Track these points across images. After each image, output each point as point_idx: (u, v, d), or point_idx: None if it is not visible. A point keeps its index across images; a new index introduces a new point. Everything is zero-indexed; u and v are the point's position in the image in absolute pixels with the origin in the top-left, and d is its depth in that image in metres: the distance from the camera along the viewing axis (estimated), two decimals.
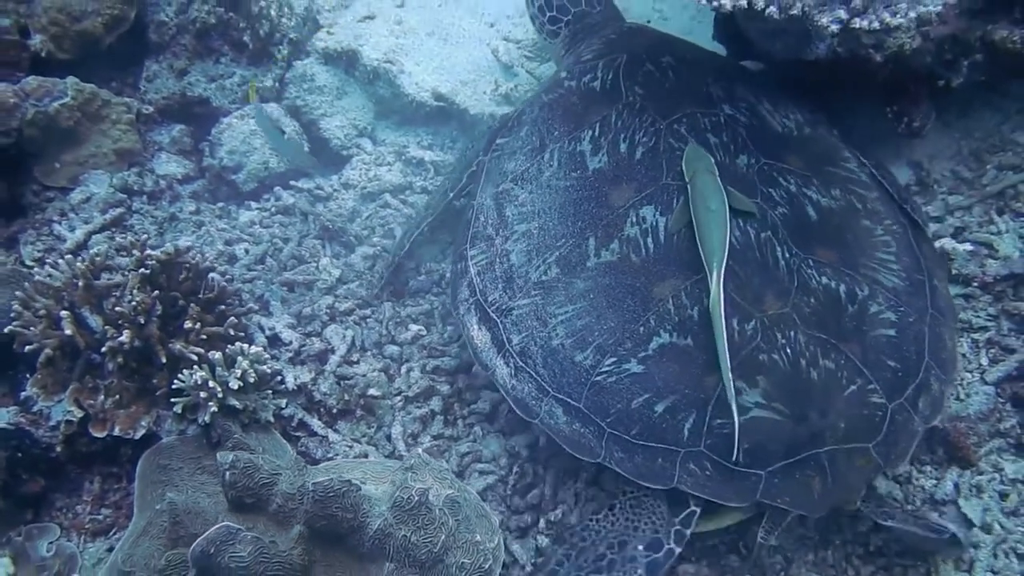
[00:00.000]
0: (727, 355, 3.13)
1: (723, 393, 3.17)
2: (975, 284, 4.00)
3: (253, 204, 4.82)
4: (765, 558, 3.49)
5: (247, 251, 4.50)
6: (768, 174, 3.69)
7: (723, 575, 3.47)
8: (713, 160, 3.58)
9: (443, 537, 3.04)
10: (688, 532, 3.29)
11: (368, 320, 4.26)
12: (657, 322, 3.37)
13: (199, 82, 5.08)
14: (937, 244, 4.06)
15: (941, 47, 3.88)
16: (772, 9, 3.03)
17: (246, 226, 4.67)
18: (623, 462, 3.30)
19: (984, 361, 3.84)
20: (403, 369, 4.09)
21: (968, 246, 4.05)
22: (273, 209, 4.76)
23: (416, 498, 3.03)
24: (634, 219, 3.57)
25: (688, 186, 3.51)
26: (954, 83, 4.01)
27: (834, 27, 2.99)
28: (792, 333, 3.31)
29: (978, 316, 3.96)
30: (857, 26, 2.99)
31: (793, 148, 3.85)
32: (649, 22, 5.29)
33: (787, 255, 3.47)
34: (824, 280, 3.45)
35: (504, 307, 3.65)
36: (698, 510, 3.29)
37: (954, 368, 3.53)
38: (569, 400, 3.41)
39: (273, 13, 5.03)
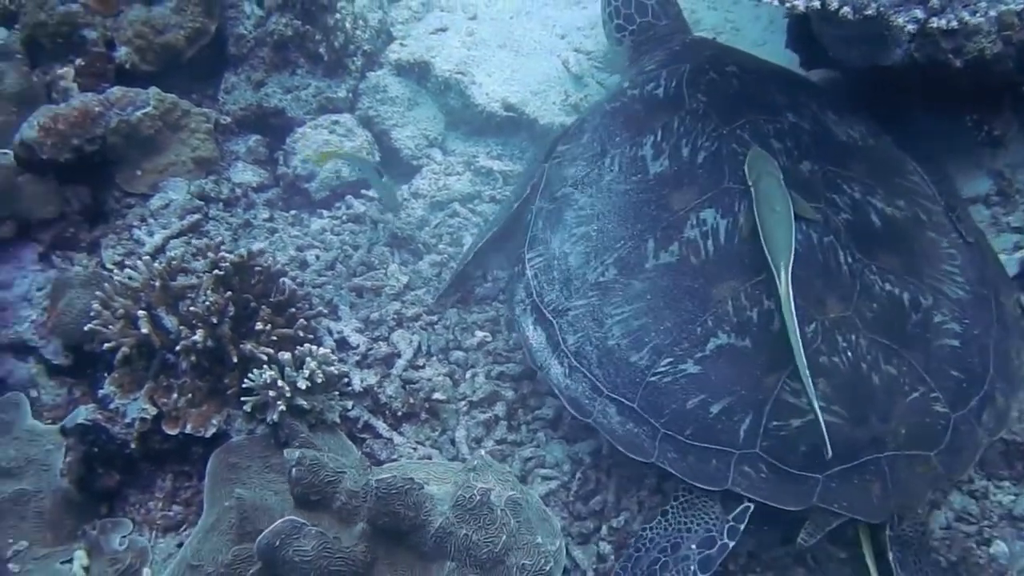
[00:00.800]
0: (803, 353, 3.09)
1: (780, 395, 3.18)
2: None
3: (325, 212, 4.90)
4: (831, 568, 3.44)
5: (318, 257, 4.58)
6: (832, 180, 3.65)
7: None
8: (776, 164, 3.55)
9: (504, 538, 3.05)
10: (741, 527, 3.27)
11: (435, 326, 4.30)
12: (715, 323, 3.36)
13: (275, 93, 5.19)
14: (1017, 254, 3.99)
15: (1022, 52, 3.79)
16: (846, 10, 3.00)
17: (317, 233, 4.75)
18: (676, 462, 3.31)
19: None
20: (468, 374, 4.12)
21: None
22: (344, 217, 4.83)
23: (478, 498, 3.05)
24: (694, 221, 3.57)
25: (752, 189, 3.49)
26: None
27: (911, 27, 2.95)
28: (854, 337, 3.28)
29: None
30: (935, 26, 2.94)
31: (858, 157, 3.81)
32: (720, 34, 5.29)
33: (850, 260, 3.43)
34: (888, 286, 3.42)
35: (560, 308, 3.68)
36: (752, 506, 3.27)
37: (1021, 384, 3.46)
38: (623, 400, 3.43)
39: (348, 26, 5.12)
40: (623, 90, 4.26)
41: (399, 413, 3.93)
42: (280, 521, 2.93)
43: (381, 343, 4.17)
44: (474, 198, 4.96)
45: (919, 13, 2.94)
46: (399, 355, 4.12)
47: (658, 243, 3.58)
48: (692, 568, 3.26)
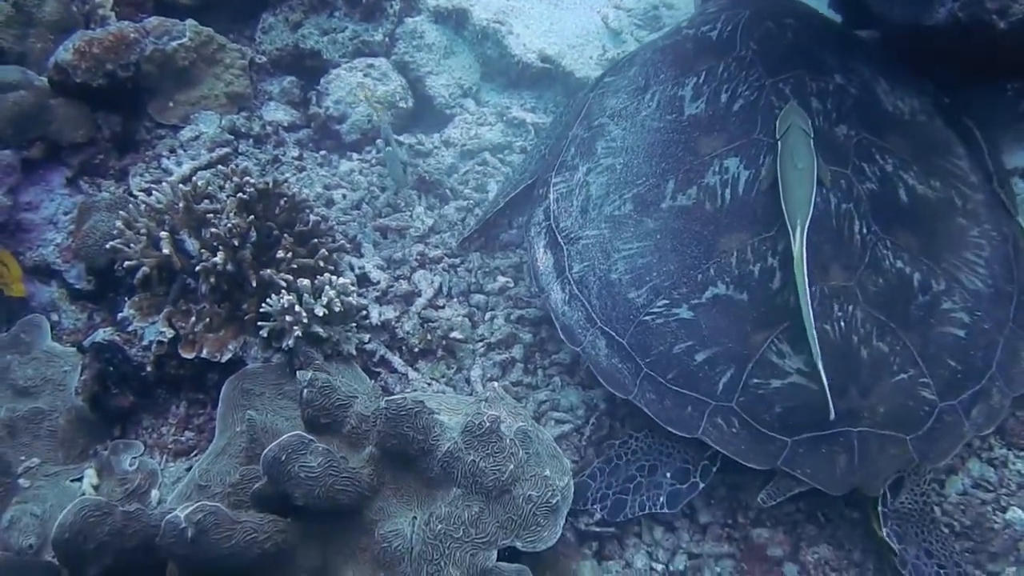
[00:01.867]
0: (811, 314, 3.06)
1: (765, 354, 3.16)
2: None
3: (354, 155, 4.88)
4: (844, 528, 3.37)
5: (344, 196, 4.56)
6: (866, 149, 3.56)
7: (798, 543, 3.36)
8: (809, 122, 3.48)
9: (511, 467, 3.00)
10: (714, 470, 3.30)
11: (458, 269, 4.27)
12: (716, 272, 3.33)
13: (312, 35, 5.18)
14: None
15: None
16: None
17: (346, 174, 4.74)
18: (653, 403, 3.30)
19: None
20: (487, 316, 4.09)
21: None
22: (373, 160, 4.81)
23: (487, 424, 2.99)
24: (717, 168, 3.52)
25: (779, 143, 3.43)
26: None
27: None
28: (850, 307, 3.21)
29: None
30: None
31: (900, 130, 3.71)
32: None
33: (864, 230, 3.34)
34: (899, 264, 3.33)
35: (573, 235, 3.67)
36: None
37: (1021, 386, 3.35)
38: (614, 334, 3.42)
39: None
40: (679, 28, 4.21)
41: (416, 349, 3.91)
42: (288, 435, 2.89)
43: (402, 281, 4.15)
44: (504, 148, 4.92)
45: None
46: (419, 294, 4.09)
47: (678, 185, 3.53)
48: (661, 500, 3.31)
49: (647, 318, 3.36)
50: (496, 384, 3.50)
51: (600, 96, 4.07)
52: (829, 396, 3.03)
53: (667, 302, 3.35)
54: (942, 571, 3.16)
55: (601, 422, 3.68)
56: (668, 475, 3.34)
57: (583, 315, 3.52)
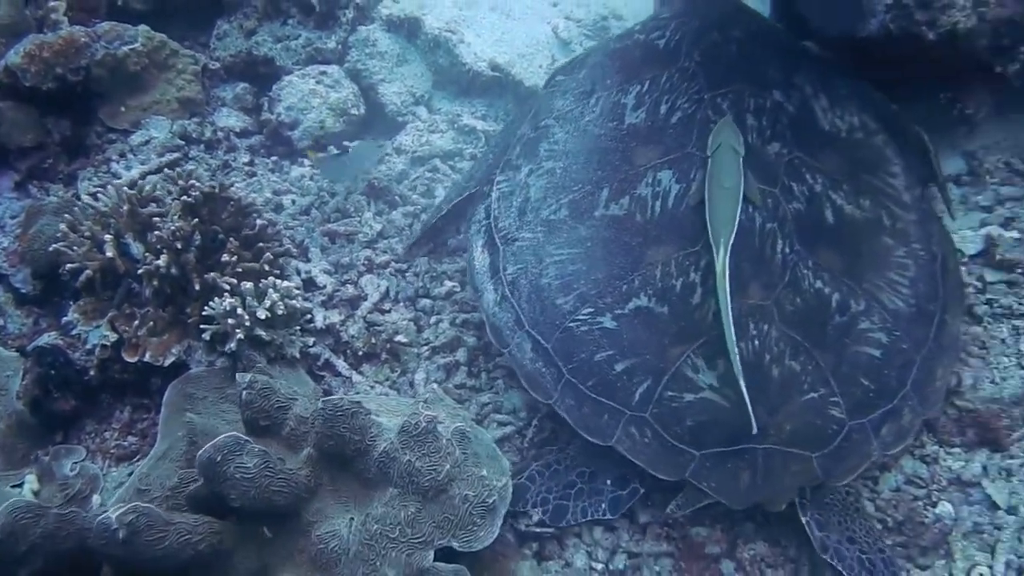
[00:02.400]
0: (732, 331, 3.10)
1: (681, 367, 3.21)
2: (1019, 270, 3.90)
3: (306, 161, 4.89)
4: (779, 526, 3.41)
5: (294, 202, 4.58)
6: (797, 168, 3.59)
7: (735, 540, 3.40)
8: (741, 139, 3.52)
9: (448, 467, 3.01)
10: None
11: (406, 274, 4.29)
12: (640, 284, 3.37)
13: (265, 42, 5.20)
14: (982, 230, 3.99)
15: (998, 31, 3.77)
16: None
17: (296, 179, 4.75)
18: (571, 410, 3.34)
19: (1023, 347, 3.71)
20: (432, 320, 4.11)
21: (1015, 233, 3.95)
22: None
23: (424, 424, 3.01)
24: (650, 180, 3.56)
25: (709, 159, 3.48)
26: (1011, 70, 3.89)
27: None
28: (765, 326, 3.25)
29: (1021, 303, 3.84)
30: None
31: (834, 149, 3.73)
32: None
33: (787, 250, 3.39)
34: (819, 284, 3.37)
35: (510, 236, 3.69)
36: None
37: (936, 405, 3.41)
38: (540, 338, 3.45)
39: None
40: (631, 32, 4.25)
41: (360, 353, 3.92)
42: (223, 436, 2.89)
43: (349, 286, 4.17)
44: (455, 155, 4.96)
45: None
46: (365, 298, 4.11)
47: (612, 193, 3.57)
48: (603, 506, 3.35)
49: (572, 325, 3.39)
50: (436, 386, 3.53)
51: (550, 96, 4.11)
52: (751, 412, 3.07)
53: (592, 310, 3.38)
54: (864, 556, 3.21)
55: (543, 425, 3.70)
56: (608, 481, 3.38)
57: (512, 317, 3.55)
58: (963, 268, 3.92)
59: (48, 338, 3.88)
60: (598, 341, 3.34)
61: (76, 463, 3.71)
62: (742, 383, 3.06)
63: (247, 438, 2.94)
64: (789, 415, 3.18)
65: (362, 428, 3.03)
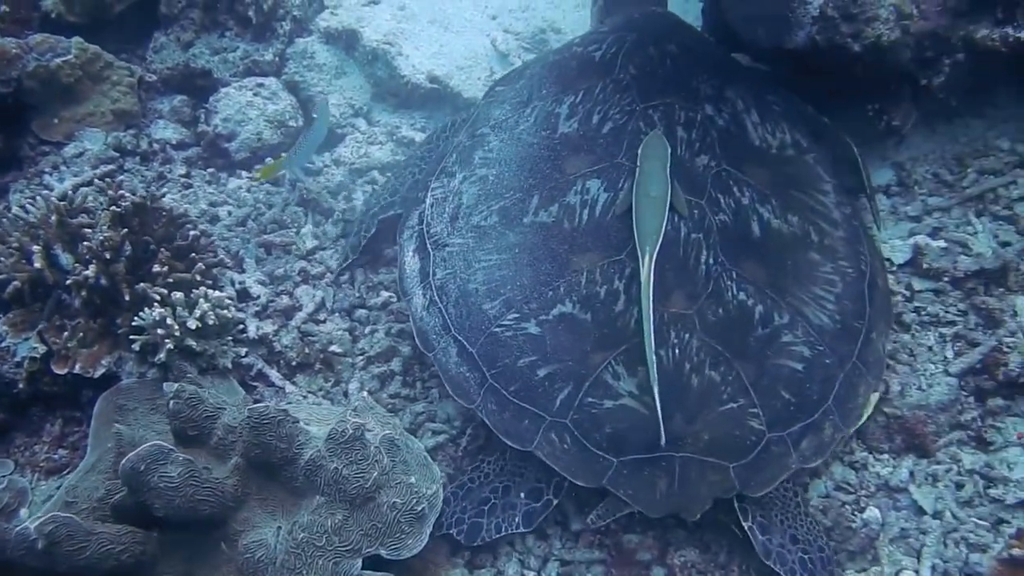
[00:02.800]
0: (652, 340, 3.14)
1: (602, 374, 3.23)
2: (946, 279, 3.95)
3: (244, 172, 4.88)
4: (710, 532, 3.44)
5: (230, 213, 4.57)
6: (725, 181, 3.64)
7: (667, 546, 3.41)
8: (669, 151, 3.56)
9: (375, 474, 3.01)
10: (566, 484, 3.31)
11: (342, 285, 4.29)
12: (565, 291, 3.40)
13: (203, 54, 5.19)
14: (911, 240, 4.05)
15: (921, 43, 3.87)
16: None
17: (233, 191, 4.74)
18: (493, 414, 3.35)
19: (949, 354, 3.79)
20: (367, 330, 4.11)
21: (942, 243, 4.02)
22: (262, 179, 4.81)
23: (351, 431, 3.01)
24: (579, 188, 3.60)
25: (637, 169, 3.53)
26: (935, 82, 3.99)
27: None
28: (686, 335, 3.29)
29: (947, 311, 3.91)
30: None
31: (764, 164, 3.78)
32: None
33: (711, 261, 3.43)
34: (742, 296, 3.40)
35: (441, 241, 3.71)
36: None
37: (855, 421, 3.42)
38: (466, 343, 3.47)
39: None
40: (570, 44, 4.30)
41: (293, 363, 3.92)
42: (146, 445, 2.88)
43: (284, 296, 4.17)
44: (393, 167, 4.95)
45: None
46: (300, 308, 4.11)
47: (541, 201, 3.61)
48: (516, 520, 3.34)
49: (497, 330, 3.41)
50: (366, 394, 3.52)
51: (488, 105, 4.14)
52: (661, 422, 3.10)
53: (517, 316, 3.41)
54: (805, 556, 3.24)
55: (477, 433, 3.70)
56: (522, 495, 3.38)
57: (440, 322, 3.56)
58: (892, 277, 3.98)
59: None
60: (522, 346, 3.36)
61: (3, 476, 3.67)
62: (656, 392, 3.09)
63: (171, 447, 2.93)
64: (707, 424, 3.20)
65: (289, 436, 3.03)
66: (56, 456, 3.77)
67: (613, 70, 3.96)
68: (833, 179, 3.89)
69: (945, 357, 3.80)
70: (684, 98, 3.85)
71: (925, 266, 3.98)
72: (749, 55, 4.39)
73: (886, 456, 3.61)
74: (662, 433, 3.10)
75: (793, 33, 3.86)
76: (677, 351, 3.25)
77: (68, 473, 3.70)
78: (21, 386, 3.74)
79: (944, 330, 3.88)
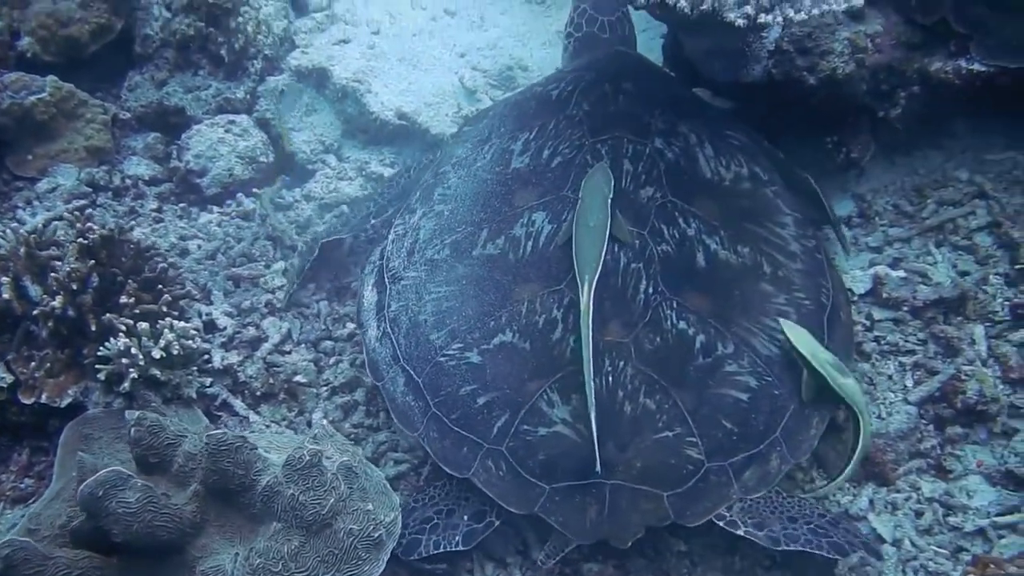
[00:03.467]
0: (591, 369, 3.19)
1: (537, 402, 3.29)
2: (905, 308, 4.05)
3: (215, 208, 4.95)
4: (671, 561, 3.48)
5: (199, 247, 4.64)
6: (669, 212, 3.68)
7: (627, 575, 3.45)
8: (612, 183, 3.63)
9: (332, 500, 3.05)
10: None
11: (308, 316, 4.36)
12: (507, 320, 3.48)
13: (176, 92, 5.29)
14: (871, 270, 4.15)
15: (876, 76, 4.00)
16: (682, 4, 3.14)
17: (204, 226, 4.81)
18: (434, 442, 3.42)
19: (909, 383, 3.87)
20: (332, 361, 4.17)
21: (902, 272, 4.11)
22: (233, 213, 4.89)
23: (307, 458, 3.05)
24: (525, 220, 3.68)
25: (579, 201, 3.60)
26: (892, 114, 4.11)
27: (740, 22, 3.10)
28: (621, 364, 3.34)
29: (907, 340, 4.00)
30: (762, 21, 3.09)
31: (713, 195, 3.81)
32: None
33: (650, 290, 3.48)
34: (681, 325, 3.44)
35: (397, 275, 3.79)
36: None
37: (805, 453, 3.42)
38: (412, 372, 3.54)
39: (250, 29, 5.24)
40: (533, 85, 4.44)
41: (258, 393, 3.98)
42: (105, 471, 2.91)
43: (250, 328, 4.22)
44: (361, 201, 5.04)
45: (749, 10, 3.09)
46: (266, 339, 4.17)
47: (490, 233, 3.69)
48: (456, 538, 3.36)
49: (442, 359, 3.48)
50: (326, 422, 3.58)
51: (453, 144, 4.25)
52: (597, 449, 3.15)
53: (461, 345, 3.48)
54: (813, 526, 3.27)
55: None
56: (465, 517, 3.41)
57: (390, 352, 3.64)
58: (852, 307, 4.06)
59: None
60: (464, 375, 3.43)
61: None
62: (593, 418, 3.14)
63: (129, 473, 2.96)
64: (640, 452, 3.23)
65: (246, 463, 3.07)
66: (22, 485, 3.81)
67: (567, 107, 4.05)
68: (794, 212, 3.92)
69: (905, 386, 3.89)
70: (634, 132, 3.91)
71: (885, 295, 4.09)
72: (709, 89, 4.50)
73: (846, 485, 3.65)
74: (597, 461, 3.15)
75: (750, 67, 3.99)
76: (611, 379, 3.30)
77: (34, 502, 3.73)
78: None
79: (904, 359, 3.98)
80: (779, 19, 3.08)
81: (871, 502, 3.62)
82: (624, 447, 3.23)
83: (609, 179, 3.63)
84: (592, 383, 3.17)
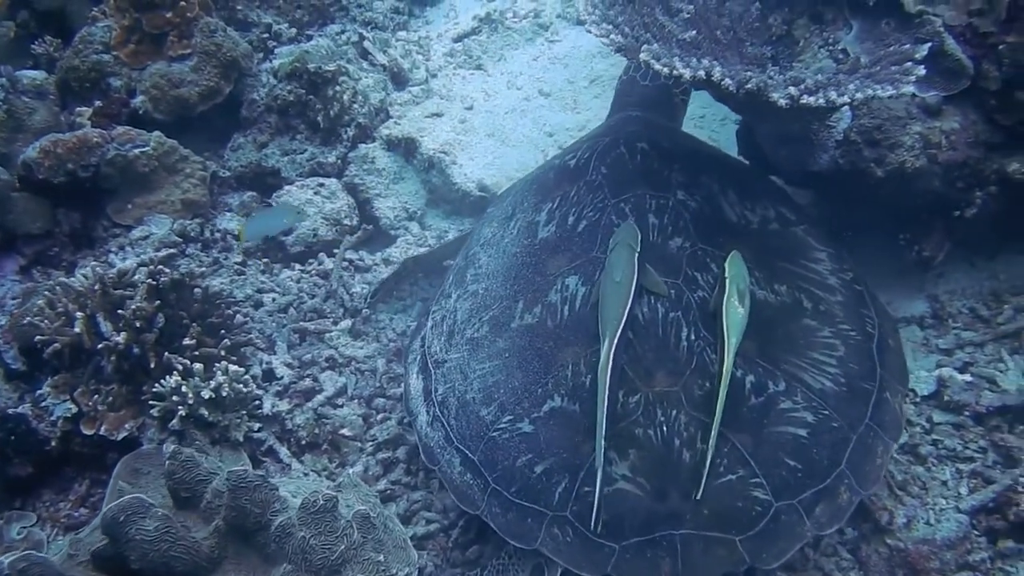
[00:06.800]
0: (604, 422, 3.13)
1: (594, 461, 3.20)
2: (967, 413, 3.85)
3: (297, 265, 5.11)
4: None
5: (274, 300, 4.78)
6: (700, 258, 3.63)
7: None
8: (639, 237, 3.59)
9: (342, 547, 3.05)
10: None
11: (365, 372, 4.42)
12: (554, 386, 3.42)
13: (274, 154, 5.55)
14: (936, 371, 3.96)
15: (950, 173, 3.85)
16: (728, 82, 3.12)
17: (282, 281, 4.96)
18: (498, 517, 3.35)
19: (964, 491, 3.65)
20: (380, 417, 4.21)
21: (968, 376, 3.92)
22: (313, 271, 5.04)
23: (322, 502, 3.07)
24: (559, 287, 3.64)
25: (606, 260, 3.57)
26: (968, 214, 3.94)
27: (783, 102, 3.06)
28: (674, 412, 3.26)
29: (966, 447, 3.80)
30: (805, 102, 3.05)
31: (743, 239, 3.73)
32: None
33: (692, 337, 3.41)
34: None
35: (440, 359, 3.79)
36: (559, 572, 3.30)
37: (875, 483, 3.32)
38: (467, 452, 3.49)
39: (346, 98, 5.48)
40: (552, 159, 4.46)
41: (303, 442, 4.03)
42: (128, 496, 3.00)
43: (307, 379, 4.31)
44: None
45: (793, 91, 3.05)
46: (320, 391, 4.24)
47: (526, 304, 3.67)
48: None
49: (495, 434, 3.44)
50: (352, 471, 3.60)
51: (480, 227, 4.28)
52: (597, 507, 3.12)
53: (511, 417, 3.44)
54: None
55: (469, 525, 3.73)
56: None
57: (443, 435, 3.61)
58: (914, 408, 3.93)
59: (20, 408, 4.08)
60: (518, 447, 3.38)
61: (24, 527, 3.85)
62: (599, 473, 3.11)
63: (151, 502, 3.04)
64: (707, 498, 3.14)
65: (264, 502, 3.11)
66: (77, 514, 3.96)
67: (586, 173, 4.03)
68: (827, 247, 3.86)
69: (959, 493, 3.67)
70: (654, 187, 3.85)
71: (946, 398, 3.89)
72: (781, 178, 4.43)
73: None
74: (596, 518, 3.12)
75: (817, 155, 3.91)
76: (665, 428, 3.24)
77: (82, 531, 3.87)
78: (54, 444, 3.96)
79: (961, 466, 3.76)
80: (821, 101, 3.03)
81: None
82: (688, 495, 3.15)
83: (636, 234, 3.59)
84: (603, 439, 3.11)
